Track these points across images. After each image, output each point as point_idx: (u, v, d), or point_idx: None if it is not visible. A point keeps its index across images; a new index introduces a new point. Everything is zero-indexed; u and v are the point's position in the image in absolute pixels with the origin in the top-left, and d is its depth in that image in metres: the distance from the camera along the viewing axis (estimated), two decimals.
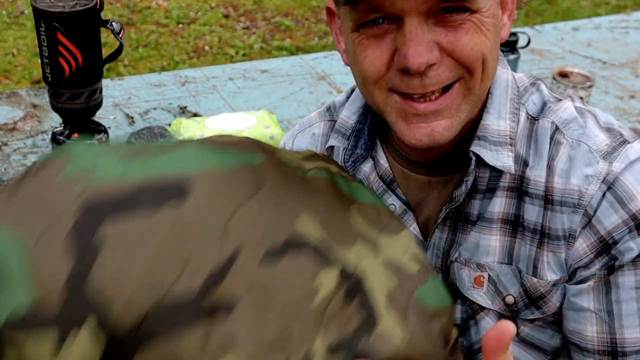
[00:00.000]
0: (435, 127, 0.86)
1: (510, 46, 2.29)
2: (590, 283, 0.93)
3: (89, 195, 0.70)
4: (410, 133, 0.87)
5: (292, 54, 4.22)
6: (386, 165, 1.01)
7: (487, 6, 0.85)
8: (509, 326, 0.66)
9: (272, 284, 0.73)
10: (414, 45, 0.82)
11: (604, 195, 0.90)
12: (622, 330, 0.93)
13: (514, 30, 2.42)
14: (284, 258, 0.73)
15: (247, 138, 0.87)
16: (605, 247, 0.91)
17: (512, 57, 2.31)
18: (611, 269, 0.92)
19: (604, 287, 0.93)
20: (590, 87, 2.15)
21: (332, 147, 1.06)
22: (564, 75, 2.17)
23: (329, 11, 0.98)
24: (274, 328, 0.72)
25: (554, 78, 2.16)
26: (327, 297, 0.74)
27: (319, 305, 0.74)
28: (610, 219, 0.90)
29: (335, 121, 1.07)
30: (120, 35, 1.79)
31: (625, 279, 0.92)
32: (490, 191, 0.95)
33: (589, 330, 0.94)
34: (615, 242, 0.90)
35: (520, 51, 2.38)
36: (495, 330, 0.66)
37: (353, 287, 0.76)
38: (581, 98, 2.15)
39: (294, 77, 2.50)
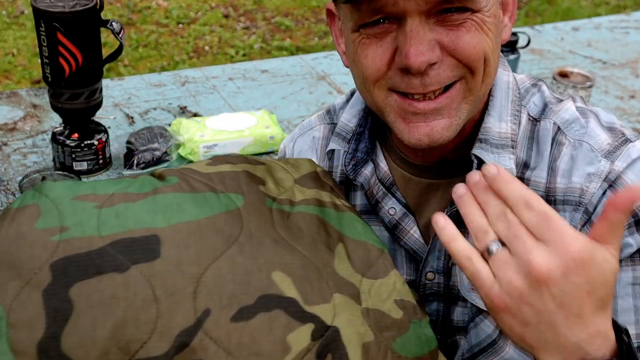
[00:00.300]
0: (435, 127, 0.86)
1: (510, 46, 2.29)
2: None
3: (60, 256, 0.70)
4: (410, 132, 0.87)
5: (292, 54, 4.22)
6: (386, 168, 1.00)
7: (488, 6, 0.84)
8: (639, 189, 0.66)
9: (244, 341, 0.71)
10: (415, 44, 0.82)
11: (604, 193, 0.90)
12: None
13: (514, 30, 2.42)
14: (256, 316, 0.72)
15: (242, 161, 0.86)
16: None
17: (512, 57, 2.30)
18: None
19: None
20: (590, 87, 2.15)
21: (332, 151, 1.05)
22: (564, 75, 2.17)
23: (329, 13, 0.98)
24: None
25: (554, 78, 2.16)
26: (299, 355, 0.73)
27: None
28: None
29: (335, 124, 1.06)
30: (120, 35, 1.79)
31: (622, 275, 0.92)
32: None
33: None
34: None
35: (520, 51, 2.38)
36: (627, 190, 0.67)
37: (327, 343, 0.74)
38: (581, 98, 2.15)
39: (294, 77, 2.50)
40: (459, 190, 0.71)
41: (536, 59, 2.64)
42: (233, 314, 0.72)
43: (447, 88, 0.86)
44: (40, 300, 0.69)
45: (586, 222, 0.91)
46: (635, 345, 0.93)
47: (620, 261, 0.91)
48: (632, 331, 0.93)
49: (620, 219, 0.67)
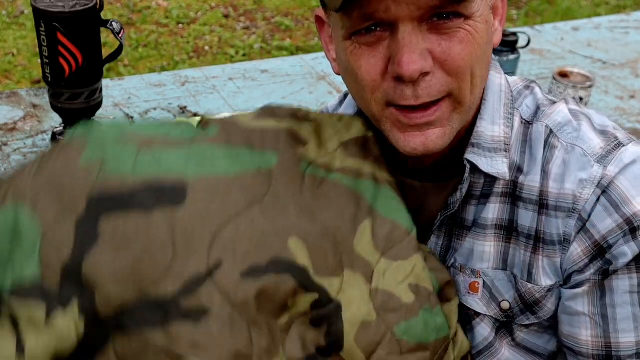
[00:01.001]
0: (429, 136, 0.86)
1: (510, 46, 2.28)
2: (585, 287, 0.92)
3: (96, 190, 0.75)
4: (405, 141, 0.87)
5: (292, 54, 4.22)
6: None
7: (480, 11, 0.84)
8: None
9: (249, 299, 0.74)
10: (407, 52, 0.81)
11: (598, 199, 0.90)
12: (617, 334, 0.93)
13: (513, 30, 2.42)
14: (265, 276, 0.75)
15: (290, 116, 0.88)
16: (600, 251, 0.90)
17: (512, 57, 2.30)
18: (606, 273, 0.91)
19: (599, 291, 0.92)
20: (590, 87, 2.15)
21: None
22: (564, 75, 2.17)
23: (318, 19, 0.97)
24: (240, 340, 0.74)
25: (554, 78, 2.16)
26: (294, 317, 0.77)
27: (286, 323, 0.76)
28: (604, 223, 0.89)
29: None
30: (120, 35, 1.79)
31: (620, 283, 0.92)
32: (485, 197, 0.95)
33: (583, 334, 0.94)
34: (610, 247, 0.90)
35: (520, 51, 2.38)
36: None
37: (325, 314, 0.77)
38: (581, 98, 2.15)
39: (294, 77, 2.50)
40: None
41: (536, 59, 2.64)
42: (243, 270, 0.75)
43: (436, 101, 0.86)
44: (72, 227, 0.75)
45: (580, 229, 0.91)
46: (633, 352, 0.94)
47: (617, 270, 0.91)
48: (631, 339, 0.93)
49: None
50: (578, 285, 0.93)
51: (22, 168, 0.81)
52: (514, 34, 2.32)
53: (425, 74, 0.83)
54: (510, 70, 2.30)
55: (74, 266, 0.74)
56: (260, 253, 0.75)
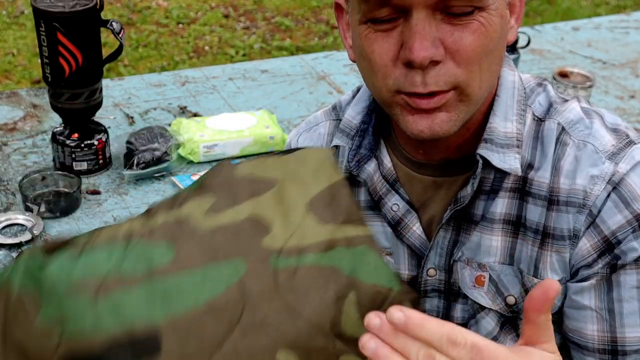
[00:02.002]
0: (435, 119, 0.87)
1: (510, 46, 2.28)
2: (592, 281, 0.93)
3: (65, 353, 0.72)
4: (413, 123, 0.88)
5: (292, 54, 4.22)
6: (390, 165, 1.01)
7: (495, 4, 0.84)
8: (553, 284, 0.66)
9: None
10: (419, 38, 0.82)
11: (608, 195, 0.90)
12: (623, 329, 0.94)
13: None
14: None
15: (248, 192, 0.81)
16: (609, 246, 0.91)
17: (512, 57, 2.31)
18: (614, 267, 0.92)
19: (606, 285, 0.93)
20: (590, 87, 2.15)
21: (336, 147, 1.06)
22: (564, 75, 2.17)
23: (337, 6, 0.98)
24: None
25: (554, 78, 2.16)
26: None
27: None
28: (614, 219, 0.90)
29: (341, 120, 1.07)
30: (120, 35, 1.79)
31: (627, 278, 0.92)
32: (494, 192, 0.95)
33: (589, 328, 0.95)
34: (619, 242, 0.90)
35: (520, 51, 2.38)
36: (540, 287, 0.67)
37: None
38: (585, 99, 2.15)
39: (294, 77, 2.50)
40: (369, 344, 0.68)
41: (536, 59, 2.64)
42: None
43: (443, 91, 0.86)
44: None
45: (590, 225, 0.91)
46: (639, 347, 0.94)
47: (625, 265, 0.91)
48: (637, 334, 0.94)
49: (544, 319, 0.67)
50: (585, 279, 0.93)
51: None
52: None
53: (435, 63, 0.84)
54: None
55: None
56: None
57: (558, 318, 0.98)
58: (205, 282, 0.75)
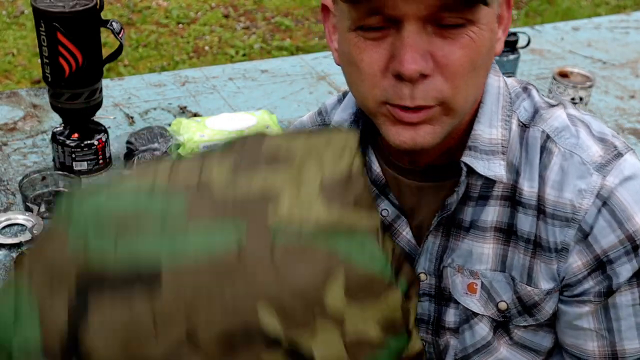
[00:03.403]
0: (418, 131, 0.86)
1: (510, 46, 2.29)
2: (589, 308, 0.94)
3: (84, 273, 0.83)
4: (396, 134, 0.87)
5: (292, 54, 4.22)
6: (378, 170, 1.00)
7: (486, 18, 0.84)
8: None
9: None
10: (410, 51, 0.81)
11: (599, 211, 0.90)
12: (622, 342, 0.95)
13: (513, 30, 2.42)
14: (237, 341, 0.81)
15: (267, 159, 0.87)
16: (600, 264, 0.91)
17: (512, 57, 2.30)
18: (609, 292, 0.93)
19: (603, 309, 0.94)
20: (590, 87, 2.15)
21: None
22: (564, 75, 2.17)
23: (324, 8, 0.97)
24: None
25: (554, 78, 2.16)
26: None
27: None
28: (607, 239, 0.90)
29: (328, 124, 1.06)
30: (120, 35, 1.79)
31: (623, 299, 0.93)
32: (483, 199, 0.95)
33: (590, 345, 0.96)
34: (611, 262, 0.91)
35: (520, 51, 2.38)
36: None
37: None
38: (581, 98, 2.15)
39: (294, 77, 2.50)
40: None
41: (536, 59, 2.64)
42: (217, 338, 0.81)
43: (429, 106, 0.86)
44: (65, 305, 0.82)
45: (581, 240, 0.91)
46: (639, 355, 0.95)
47: (620, 287, 0.92)
48: (636, 345, 0.95)
49: None
50: (581, 302, 0.94)
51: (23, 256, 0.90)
52: (514, 34, 2.32)
53: (424, 77, 0.83)
54: (510, 70, 2.30)
55: (71, 342, 0.82)
56: (231, 321, 0.81)
57: (550, 322, 0.99)
58: (208, 236, 0.82)
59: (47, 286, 0.84)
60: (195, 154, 0.90)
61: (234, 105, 2.31)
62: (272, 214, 0.83)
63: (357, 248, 0.85)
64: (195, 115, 2.24)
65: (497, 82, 0.96)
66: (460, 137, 0.94)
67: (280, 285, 0.82)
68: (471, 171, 0.92)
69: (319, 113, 1.11)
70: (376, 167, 1.00)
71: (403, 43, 0.81)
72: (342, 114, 1.04)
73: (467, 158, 0.92)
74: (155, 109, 2.27)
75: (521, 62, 2.43)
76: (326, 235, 0.84)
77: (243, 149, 0.88)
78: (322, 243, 0.84)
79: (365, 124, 1.00)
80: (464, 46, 0.83)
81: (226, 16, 4.77)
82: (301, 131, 0.89)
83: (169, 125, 2.10)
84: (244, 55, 4.28)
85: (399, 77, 0.83)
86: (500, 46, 0.92)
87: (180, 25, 4.61)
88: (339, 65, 0.94)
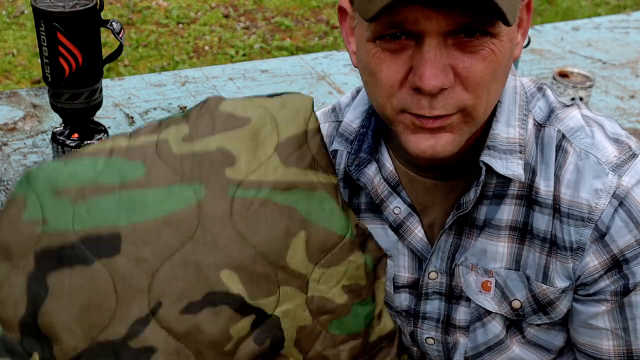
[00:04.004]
0: (439, 140, 0.86)
1: None
2: (605, 307, 0.94)
3: (41, 247, 0.82)
4: (415, 143, 0.87)
5: (292, 54, 4.22)
6: (392, 168, 1.00)
7: (506, 30, 0.83)
8: None
9: (191, 331, 0.82)
10: (430, 67, 0.81)
11: (615, 211, 0.90)
12: (638, 342, 0.96)
13: None
14: (203, 310, 0.82)
15: (223, 126, 0.86)
16: (616, 264, 0.92)
17: None
18: (625, 292, 0.93)
19: (619, 308, 0.95)
20: (590, 87, 2.15)
21: (335, 150, 1.05)
22: (564, 75, 2.17)
23: (341, 9, 0.97)
24: None
25: (554, 78, 2.16)
26: (238, 342, 0.84)
27: (231, 348, 0.83)
28: (624, 239, 0.90)
29: (341, 122, 1.06)
30: (120, 35, 1.79)
31: (639, 298, 0.93)
32: (498, 197, 0.95)
33: (605, 344, 0.96)
34: (627, 261, 0.91)
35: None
36: None
37: (266, 330, 0.85)
38: (581, 98, 2.15)
39: (294, 77, 2.50)
40: None
41: (536, 59, 2.64)
42: (182, 307, 0.82)
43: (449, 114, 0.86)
44: (24, 283, 0.82)
45: (597, 240, 0.91)
46: None
47: (636, 286, 0.93)
48: None
49: None
50: (596, 301, 0.94)
51: None
52: None
53: (444, 89, 0.83)
54: None
55: (30, 321, 0.82)
56: (195, 289, 0.81)
57: (563, 320, 0.99)
58: (166, 199, 0.83)
59: (3, 267, 0.84)
60: (153, 121, 0.89)
61: None
62: (230, 176, 0.84)
63: (316, 207, 0.86)
64: None
65: (513, 82, 0.96)
66: (478, 137, 0.94)
67: (242, 251, 0.82)
68: (489, 170, 0.93)
69: (333, 110, 1.11)
70: (389, 164, 1.01)
71: (423, 58, 0.81)
72: (354, 112, 1.04)
73: (485, 157, 0.92)
74: (155, 109, 2.27)
75: (521, 62, 2.43)
76: (284, 195, 0.85)
77: (199, 112, 0.88)
78: (280, 203, 0.84)
79: (377, 122, 1.01)
80: (485, 58, 0.83)
81: (226, 16, 4.77)
82: (256, 96, 0.89)
83: None
84: (244, 55, 4.27)
85: (418, 90, 0.83)
86: (519, 50, 0.92)
87: (180, 25, 4.61)
88: (356, 67, 0.94)
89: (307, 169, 0.87)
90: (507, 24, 0.80)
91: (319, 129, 0.90)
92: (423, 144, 0.87)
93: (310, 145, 0.89)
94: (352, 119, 1.03)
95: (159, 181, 0.83)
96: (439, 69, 0.81)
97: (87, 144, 1.89)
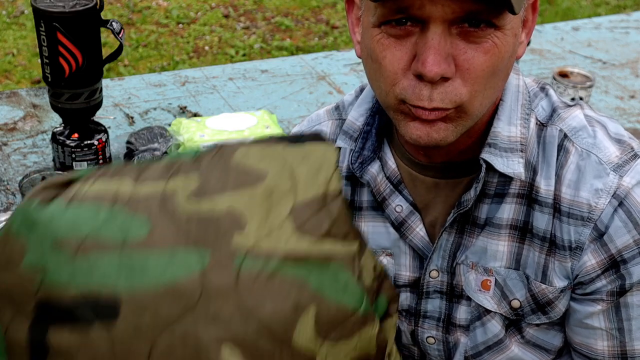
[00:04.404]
0: (433, 126, 0.87)
1: None
2: (601, 306, 0.94)
3: (41, 298, 0.79)
4: (413, 128, 0.88)
5: (292, 54, 4.22)
6: (394, 166, 1.01)
7: (511, 24, 0.84)
8: None
9: None
10: (433, 53, 0.81)
11: (615, 211, 0.90)
12: (632, 342, 0.95)
13: None
14: None
15: (238, 183, 0.80)
16: (614, 264, 0.92)
17: None
18: (621, 292, 0.93)
19: (614, 308, 0.95)
20: (590, 87, 2.15)
21: (339, 148, 1.05)
22: (564, 75, 2.17)
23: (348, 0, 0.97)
24: None
25: (554, 78, 2.16)
26: None
27: None
28: (622, 239, 0.90)
29: (344, 120, 1.07)
30: (120, 35, 1.79)
31: (635, 299, 0.93)
32: (499, 196, 0.95)
33: (599, 344, 0.96)
34: (625, 261, 0.91)
35: None
36: None
37: None
38: (581, 98, 2.15)
39: (294, 77, 2.50)
40: None
41: (536, 59, 2.64)
42: None
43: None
44: (27, 333, 0.80)
45: (596, 239, 0.91)
46: None
47: (632, 287, 0.93)
48: None
49: None
50: (592, 300, 0.94)
51: None
52: None
53: (445, 79, 0.83)
54: None
55: None
56: None
57: (561, 320, 0.99)
58: (169, 265, 0.78)
59: (8, 312, 0.81)
60: (163, 160, 0.84)
61: (234, 105, 2.31)
62: (238, 242, 0.78)
63: (329, 281, 0.80)
64: (195, 115, 2.24)
65: (516, 81, 0.97)
66: (479, 135, 0.94)
67: (246, 323, 0.77)
68: (489, 168, 0.93)
69: (336, 108, 1.11)
70: (392, 162, 1.01)
71: (427, 44, 0.82)
72: (358, 109, 1.04)
73: (486, 155, 0.92)
74: (155, 109, 2.27)
75: (521, 62, 2.43)
76: (296, 267, 0.79)
77: (212, 161, 0.82)
78: (291, 276, 0.78)
79: (381, 119, 1.01)
80: (487, 51, 0.83)
81: (226, 16, 4.77)
82: (276, 141, 0.83)
83: (169, 125, 2.10)
84: (244, 55, 4.27)
85: (420, 77, 0.83)
86: (522, 49, 0.92)
87: (180, 25, 4.61)
88: (360, 58, 0.94)
89: (323, 237, 0.81)
90: (513, 11, 0.80)
91: (341, 191, 0.83)
92: (420, 130, 0.87)
93: (330, 208, 0.81)
94: (356, 117, 1.03)
95: (162, 242, 0.78)
96: (442, 57, 0.82)
97: (87, 143, 1.89)
